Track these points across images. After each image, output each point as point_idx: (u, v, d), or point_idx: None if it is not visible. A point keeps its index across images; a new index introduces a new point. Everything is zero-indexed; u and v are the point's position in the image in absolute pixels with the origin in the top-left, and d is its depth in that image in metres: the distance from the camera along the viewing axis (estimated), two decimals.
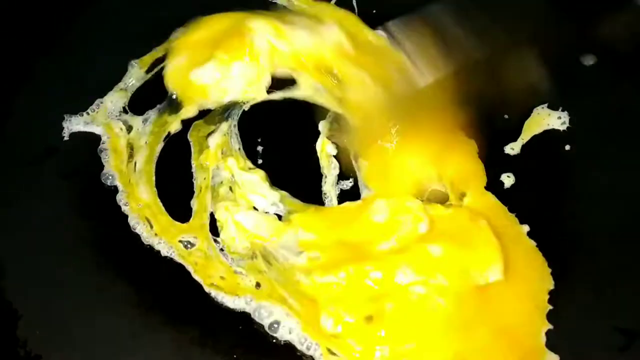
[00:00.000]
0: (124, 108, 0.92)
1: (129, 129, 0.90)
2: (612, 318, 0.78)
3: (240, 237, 0.81)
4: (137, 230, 0.83)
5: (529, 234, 0.83)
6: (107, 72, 0.95)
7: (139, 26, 0.99)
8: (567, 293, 0.79)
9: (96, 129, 0.90)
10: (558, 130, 0.92)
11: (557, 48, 0.92)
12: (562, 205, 0.86)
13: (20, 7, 1.00)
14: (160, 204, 0.85)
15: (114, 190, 0.86)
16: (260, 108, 0.93)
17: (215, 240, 0.82)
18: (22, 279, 0.80)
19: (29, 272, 0.80)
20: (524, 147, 0.90)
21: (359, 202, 0.85)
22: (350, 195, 0.87)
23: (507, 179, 0.88)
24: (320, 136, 0.90)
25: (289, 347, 0.76)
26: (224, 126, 0.91)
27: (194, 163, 0.88)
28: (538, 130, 0.92)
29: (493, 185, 0.87)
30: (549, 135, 0.91)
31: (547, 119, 0.93)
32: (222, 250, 0.82)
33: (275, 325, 0.76)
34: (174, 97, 0.92)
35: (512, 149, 0.90)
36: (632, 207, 0.85)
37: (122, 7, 1.02)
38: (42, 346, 0.75)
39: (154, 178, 0.87)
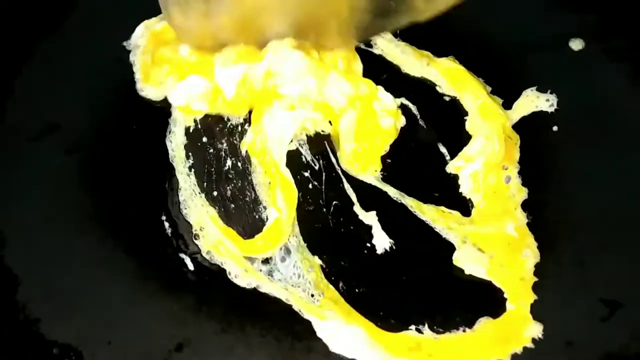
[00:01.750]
0: None
1: None
2: (596, 289, 0.80)
3: None
4: None
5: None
6: (105, 54, 0.97)
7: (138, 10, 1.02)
8: (552, 266, 0.81)
9: None
10: (546, 112, 0.94)
11: None
12: (549, 183, 0.88)
13: None
14: None
15: (113, 164, 0.89)
16: None
17: None
18: (23, 248, 0.82)
19: (29, 242, 0.82)
20: (513, 127, 0.92)
21: None
22: None
23: None
24: None
25: (281, 313, 0.78)
26: None
27: None
28: (527, 112, 0.94)
29: None
30: (538, 116, 0.94)
31: (535, 101, 0.95)
32: None
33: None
34: None
35: None
36: (615, 185, 0.88)
37: None
38: (41, 310, 0.77)
39: None
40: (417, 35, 0.98)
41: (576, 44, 1.00)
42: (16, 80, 0.95)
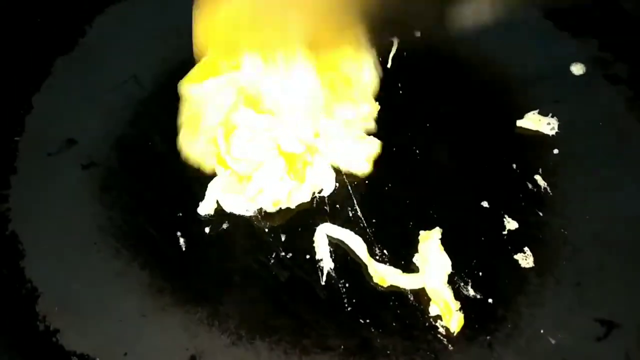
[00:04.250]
0: None
1: None
2: (592, 309, 0.83)
3: None
4: None
5: (517, 231, 0.88)
6: (121, 70, 1.01)
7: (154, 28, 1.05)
8: (550, 286, 0.84)
9: None
10: (547, 135, 0.97)
11: None
12: (549, 205, 0.91)
13: (39, 10, 1.06)
14: None
15: (128, 182, 0.92)
16: None
17: None
18: (42, 261, 0.85)
19: (48, 255, 0.85)
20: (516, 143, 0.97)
21: None
22: None
23: None
24: None
25: (289, 327, 0.81)
26: None
27: None
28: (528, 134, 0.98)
29: None
30: (539, 139, 0.97)
31: (537, 124, 0.98)
32: None
33: None
34: None
35: None
36: (614, 208, 0.91)
37: (137, 10, 1.08)
38: (60, 321, 0.80)
39: None
40: (422, 57, 1.02)
41: (577, 69, 1.03)
42: (35, 97, 0.98)
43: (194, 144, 0.92)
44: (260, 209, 0.89)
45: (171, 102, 0.96)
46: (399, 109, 0.98)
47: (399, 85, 1.01)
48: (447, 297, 0.82)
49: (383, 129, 0.96)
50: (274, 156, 0.90)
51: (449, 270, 0.84)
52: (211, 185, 0.90)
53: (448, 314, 0.81)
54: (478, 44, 1.04)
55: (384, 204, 0.91)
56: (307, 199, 0.91)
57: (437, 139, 0.97)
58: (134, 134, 0.96)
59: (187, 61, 1.01)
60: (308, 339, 0.80)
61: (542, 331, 0.81)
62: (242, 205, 0.89)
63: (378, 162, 0.94)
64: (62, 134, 0.95)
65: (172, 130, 0.94)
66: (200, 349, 0.79)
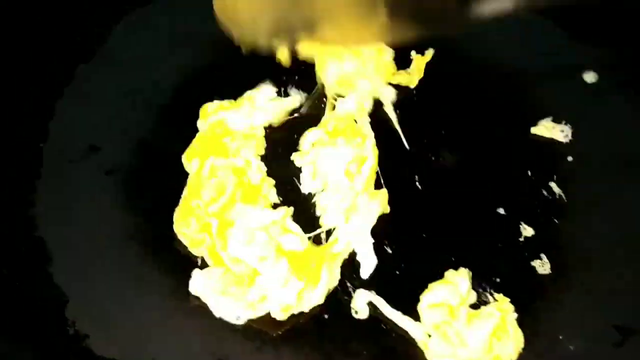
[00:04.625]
0: None
1: None
2: (609, 316, 0.85)
3: None
4: None
5: (533, 238, 0.90)
6: (141, 77, 1.02)
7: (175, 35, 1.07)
8: (567, 294, 0.86)
9: None
10: (561, 142, 0.99)
11: None
12: (564, 212, 0.93)
13: (61, 19, 1.07)
14: None
15: (150, 187, 0.93)
16: None
17: None
18: (69, 267, 0.86)
19: (74, 260, 0.87)
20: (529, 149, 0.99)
21: None
22: None
23: None
24: None
25: (311, 332, 0.83)
26: None
27: None
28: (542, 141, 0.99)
29: None
30: (552, 146, 0.99)
31: (550, 131, 1.00)
32: None
33: None
34: None
35: None
36: (628, 214, 0.92)
37: (155, 17, 1.09)
38: (88, 326, 0.82)
39: None
40: (436, 66, 1.03)
41: (590, 77, 1.05)
42: (58, 104, 0.99)
43: (187, 225, 0.87)
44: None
45: (189, 109, 0.98)
46: (414, 117, 1.00)
47: (414, 92, 1.03)
48: None
49: (397, 136, 0.98)
50: (275, 257, 0.83)
51: None
52: (196, 278, 0.84)
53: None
54: (492, 53, 1.06)
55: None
56: (322, 300, 0.85)
57: (453, 146, 0.98)
58: (155, 139, 0.97)
59: (205, 68, 1.04)
60: (331, 344, 0.82)
61: (560, 337, 0.83)
62: (236, 312, 0.83)
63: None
64: (85, 140, 0.96)
65: (191, 136, 0.96)
66: (225, 353, 0.81)
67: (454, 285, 0.83)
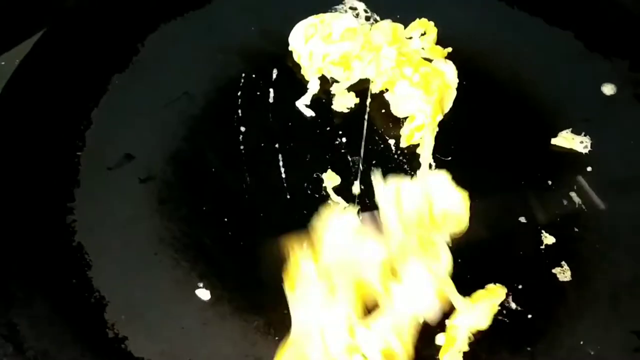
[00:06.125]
0: None
1: None
2: (629, 322, 0.88)
3: None
4: None
5: (554, 246, 0.93)
6: (174, 87, 1.06)
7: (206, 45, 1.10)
8: (587, 299, 0.89)
9: None
10: (580, 153, 1.02)
11: None
12: (584, 221, 0.96)
13: (97, 30, 1.11)
14: None
15: (184, 194, 0.97)
16: None
17: None
18: (107, 271, 0.89)
19: (112, 265, 0.90)
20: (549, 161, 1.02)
21: None
22: None
23: None
24: None
25: None
26: None
27: None
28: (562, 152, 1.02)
29: None
30: (572, 157, 1.02)
31: (570, 142, 1.03)
32: None
33: None
34: None
35: None
36: None
37: (187, 28, 1.12)
38: (127, 329, 0.85)
39: None
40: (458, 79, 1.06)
41: (608, 89, 1.08)
42: (94, 113, 1.02)
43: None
44: None
45: (222, 118, 1.02)
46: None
47: None
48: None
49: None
50: None
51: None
52: None
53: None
54: (512, 65, 1.09)
55: None
56: None
57: (474, 157, 1.01)
58: (188, 148, 1.00)
59: (235, 78, 1.06)
60: None
61: (581, 342, 0.86)
62: None
63: None
64: (121, 148, 0.99)
65: (223, 145, 1.00)
66: (258, 356, 0.84)
67: None
